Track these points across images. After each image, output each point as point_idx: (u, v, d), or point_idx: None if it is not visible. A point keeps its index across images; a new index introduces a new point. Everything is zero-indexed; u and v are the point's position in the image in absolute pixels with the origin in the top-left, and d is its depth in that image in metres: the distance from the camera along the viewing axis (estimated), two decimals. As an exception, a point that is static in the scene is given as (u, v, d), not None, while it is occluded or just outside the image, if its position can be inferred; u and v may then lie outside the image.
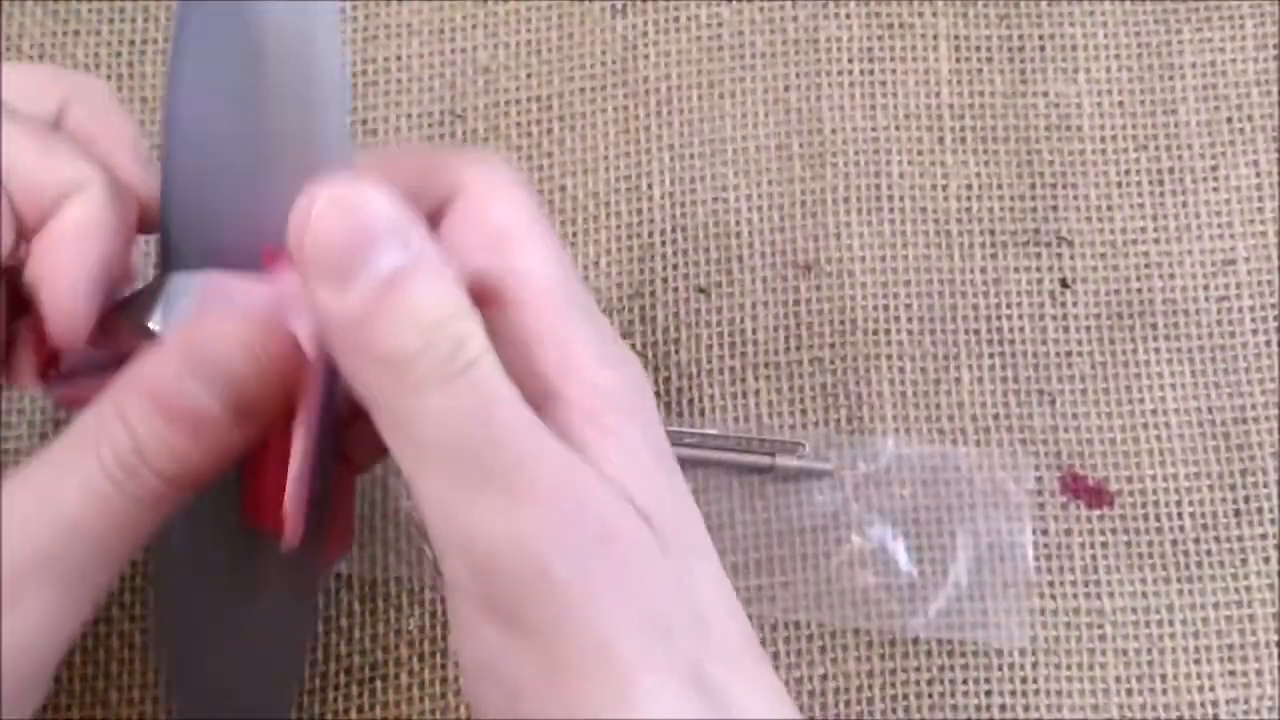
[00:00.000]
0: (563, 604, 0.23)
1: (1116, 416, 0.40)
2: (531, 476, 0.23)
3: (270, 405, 0.25)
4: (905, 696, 0.38)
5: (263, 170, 0.27)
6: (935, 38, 0.43)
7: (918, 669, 0.38)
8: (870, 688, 0.38)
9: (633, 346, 0.41)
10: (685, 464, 0.39)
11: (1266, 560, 0.39)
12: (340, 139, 0.28)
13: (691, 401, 0.40)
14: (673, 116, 0.42)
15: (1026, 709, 0.38)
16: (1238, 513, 0.40)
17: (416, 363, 0.23)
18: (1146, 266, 0.42)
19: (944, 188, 0.42)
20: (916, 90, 0.43)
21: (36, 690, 0.25)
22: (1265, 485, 0.40)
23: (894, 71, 0.43)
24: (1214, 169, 0.43)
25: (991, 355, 0.41)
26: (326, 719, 0.38)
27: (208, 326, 0.25)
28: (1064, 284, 0.42)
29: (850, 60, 0.43)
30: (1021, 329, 0.41)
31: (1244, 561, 0.39)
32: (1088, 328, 0.41)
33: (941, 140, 0.43)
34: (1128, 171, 0.42)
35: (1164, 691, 0.38)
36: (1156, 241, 0.42)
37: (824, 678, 0.38)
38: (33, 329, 0.28)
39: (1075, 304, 0.41)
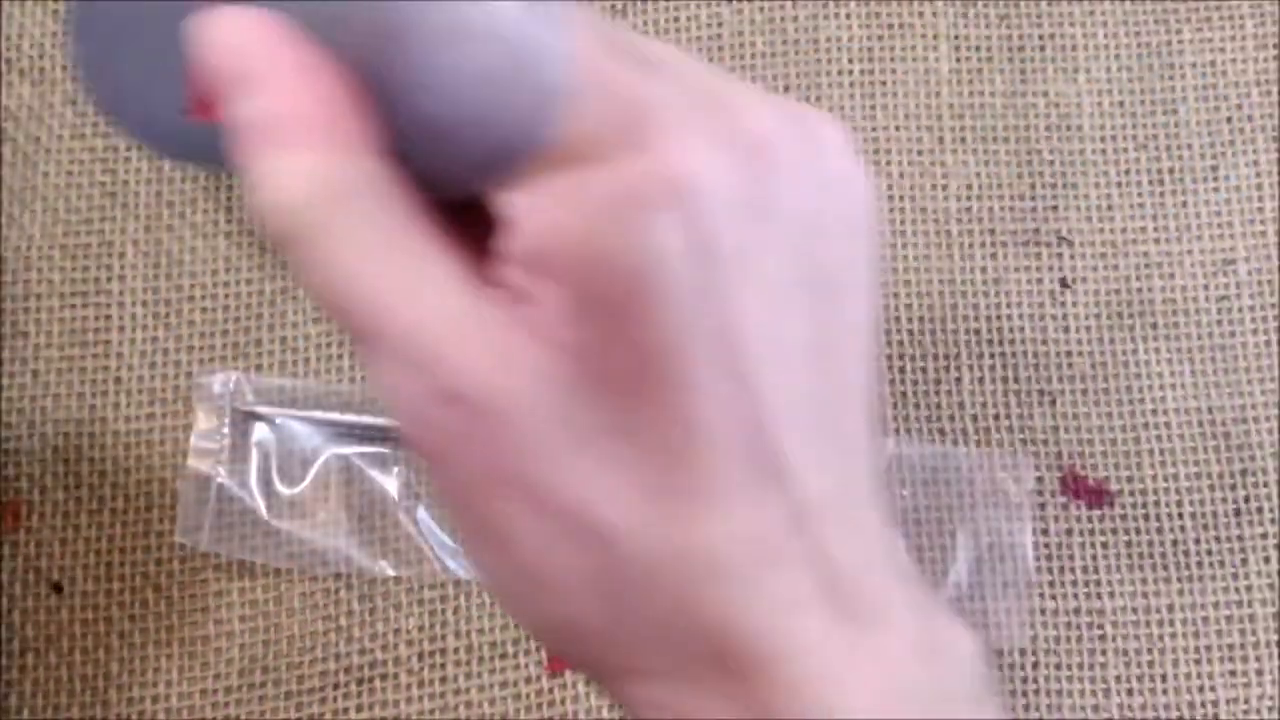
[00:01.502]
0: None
1: (1117, 416, 0.40)
2: (383, 338, 0.21)
3: None
4: (905, 696, 0.38)
5: None
6: (935, 38, 0.43)
7: (918, 668, 0.38)
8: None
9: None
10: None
11: (1267, 560, 0.39)
12: None
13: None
14: (673, 116, 0.43)
15: (1027, 709, 0.38)
16: (1238, 512, 0.40)
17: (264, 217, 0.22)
18: (1146, 266, 0.42)
19: (944, 188, 0.42)
20: (916, 90, 0.43)
21: None
22: (1265, 485, 0.40)
23: (894, 72, 0.43)
24: (1214, 169, 0.43)
25: (992, 355, 0.41)
26: (326, 717, 0.38)
27: None
28: (1064, 284, 0.42)
29: (850, 60, 0.43)
30: (1022, 329, 0.41)
31: (1244, 561, 0.39)
32: (1088, 327, 0.41)
33: (941, 140, 0.43)
34: (1128, 171, 0.43)
35: (1164, 691, 0.38)
36: (1156, 241, 0.42)
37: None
38: None
39: (1075, 304, 0.41)
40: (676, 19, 0.43)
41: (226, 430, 0.39)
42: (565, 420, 0.21)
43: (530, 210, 0.21)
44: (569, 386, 0.21)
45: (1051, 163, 0.42)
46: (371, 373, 0.22)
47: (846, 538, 0.22)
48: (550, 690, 0.38)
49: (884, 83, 0.43)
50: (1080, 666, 0.38)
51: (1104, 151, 0.43)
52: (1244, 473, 0.40)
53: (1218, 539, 0.39)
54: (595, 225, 0.20)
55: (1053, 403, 0.40)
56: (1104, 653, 0.38)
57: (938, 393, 0.41)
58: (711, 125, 0.21)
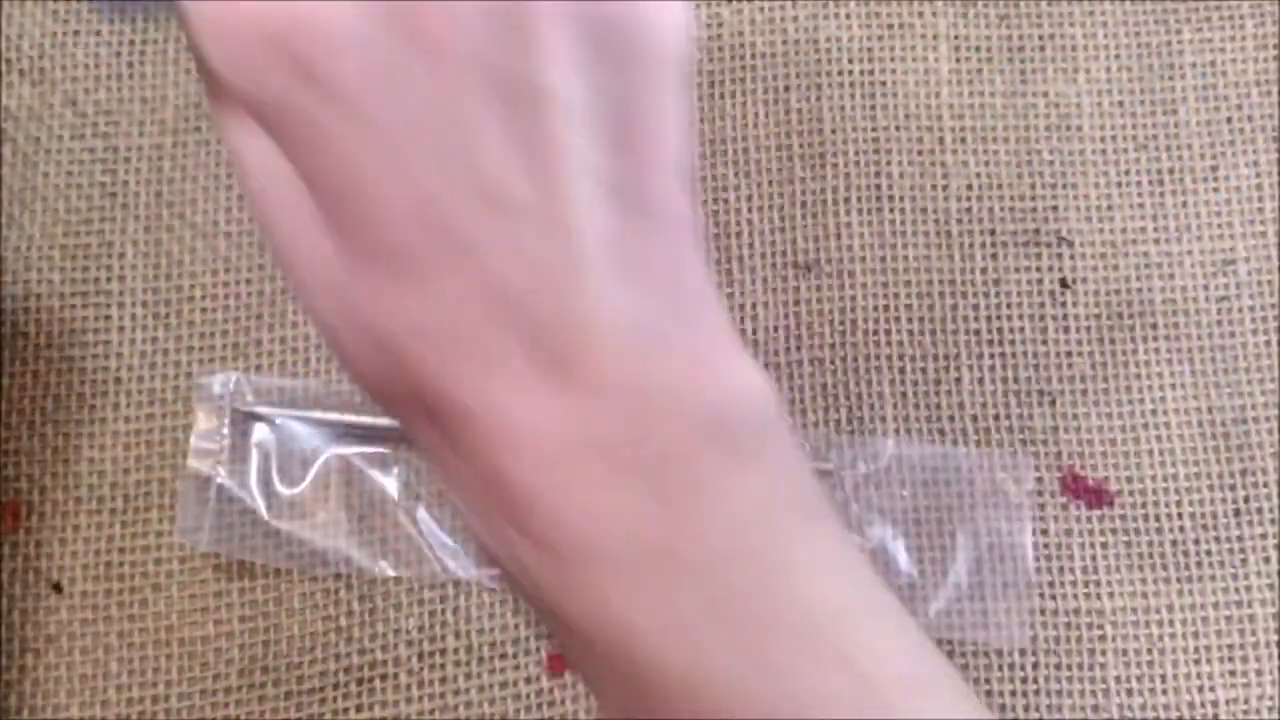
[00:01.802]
0: None
1: (1116, 417, 0.40)
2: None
3: None
4: (905, 696, 0.38)
5: None
6: (935, 38, 0.43)
7: (918, 669, 0.38)
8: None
9: (633, 346, 0.41)
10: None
11: (1266, 560, 0.39)
12: None
13: (691, 401, 0.40)
14: (673, 116, 0.43)
15: (1026, 709, 0.38)
16: (1237, 513, 0.40)
17: None
18: (1146, 267, 0.42)
19: (944, 188, 0.42)
20: (916, 90, 0.43)
21: None
22: (1265, 485, 0.40)
23: (894, 72, 0.43)
24: (1214, 169, 0.43)
25: (992, 355, 0.41)
26: (326, 717, 0.38)
27: None
28: (1064, 284, 0.42)
29: (850, 60, 0.43)
30: (1022, 329, 0.41)
31: (1244, 561, 0.39)
32: (1088, 328, 0.41)
33: (941, 140, 0.43)
34: (1128, 172, 0.43)
35: (1164, 691, 0.38)
36: (1156, 242, 0.42)
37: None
38: None
39: (1075, 304, 0.41)
40: (676, 19, 0.43)
41: (226, 431, 0.39)
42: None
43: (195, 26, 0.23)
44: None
45: (1051, 163, 0.42)
46: None
47: (557, 297, 0.23)
48: (550, 690, 0.38)
49: (884, 83, 0.43)
50: (1080, 666, 0.38)
51: (1104, 152, 0.43)
52: (1244, 473, 0.40)
53: (1217, 539, 0.39)
54: (234, 62, 0.22)
55: (1052, 403, 0.40)
56: (1104, 653, 0.38)
57: (938, 393, 0.41)
58: None
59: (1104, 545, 0.39)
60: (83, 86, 0.43)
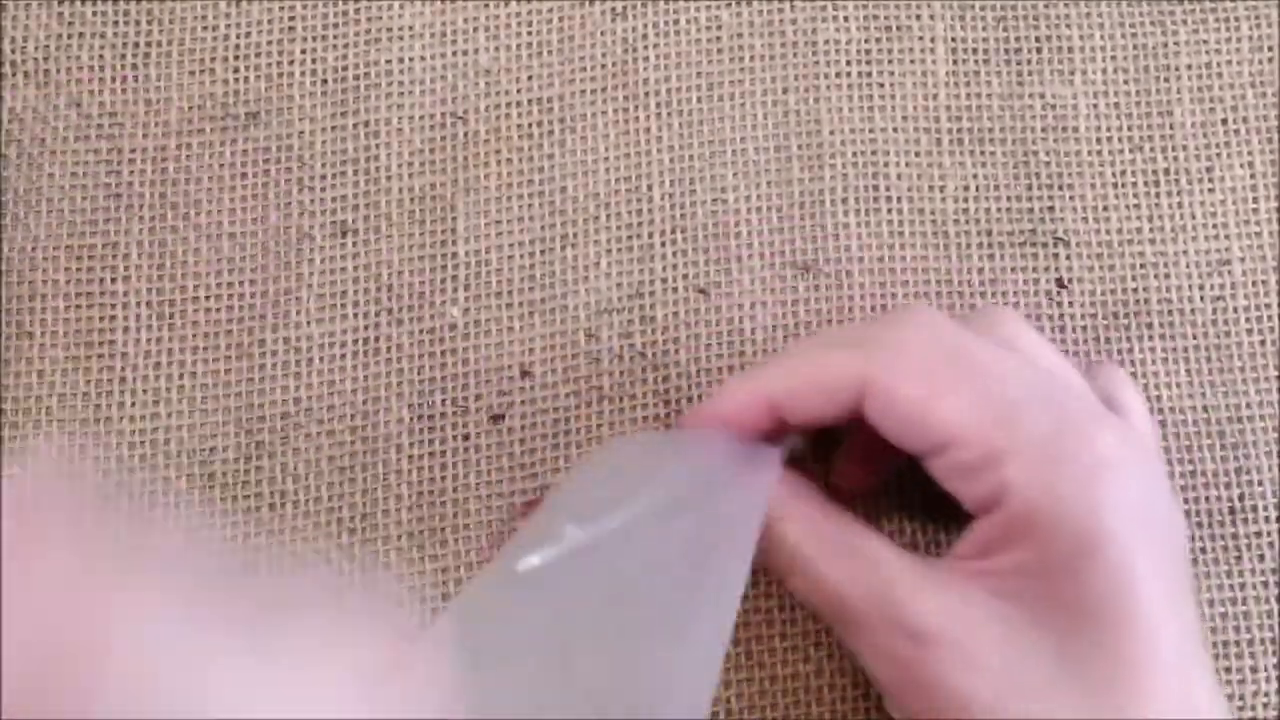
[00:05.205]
0: None
1: (1113, 416, 0.41)
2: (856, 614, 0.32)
3: None
4: (902, 693, 0.38)
5: None
6: (933, 40, 0.44)
7: (914, 666, 0.38)
8: (866, 684, 0.38)
9: (632, 346, 0.41)
10: (684, 463, 0.39)
11: (1261, 558, 0.39)
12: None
13: (691, 401, 0.41)
14: (672, 118, 0.43)
15: (1022, 705, 0.38)
16: (1233, 511, 0.40)
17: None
18: (1142, 267, 0.42)
19: (941, 189, 0.42)
20: (914, 92, 0.43)
21: None
22: (1260, 483, 0.40)
23: (892, 74, 0.43)
24: (1209, 170, 0.43)
25: (988, 355, 0.41)
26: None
27: None
28: (1060, 284, 0.42)
29: (848, 62, 0.43)
30: (1018, 329, 0.41)
31: (1239, 559, 0.39)
32: (1084, 328, 0.41)
33: (939, 141, 0.43)
34: (1124, 172, 0.43)
35: (1159, 688, 0.38)
36: (1152, 242, 0.42)
37: (819, 674, 0.38)
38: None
39: (1071, 304, 0.42)
40: (676, 21, 0.44)
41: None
42: (1011, 644, 0.29)
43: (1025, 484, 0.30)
44: (1013, 622, 0.29)
45: (1048, 164, 0.43)
46: (854, 644, 0.32)
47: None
48: (551, 687, 0.38)
49: (882, 85, 0.43)
50: (1076, 663, 0.39)
51: (1100, 153, 0.43)
52: (1239, 471, 0.40)
53: (1212, 537, 0.40)
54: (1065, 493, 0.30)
55: (1049, 402, 0.41)
56: (1099, 650, 0.39)
57: (935, 392, 0.41)
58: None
59: (1100, 543, 0.39)
60: (87, 88, 0.43)
